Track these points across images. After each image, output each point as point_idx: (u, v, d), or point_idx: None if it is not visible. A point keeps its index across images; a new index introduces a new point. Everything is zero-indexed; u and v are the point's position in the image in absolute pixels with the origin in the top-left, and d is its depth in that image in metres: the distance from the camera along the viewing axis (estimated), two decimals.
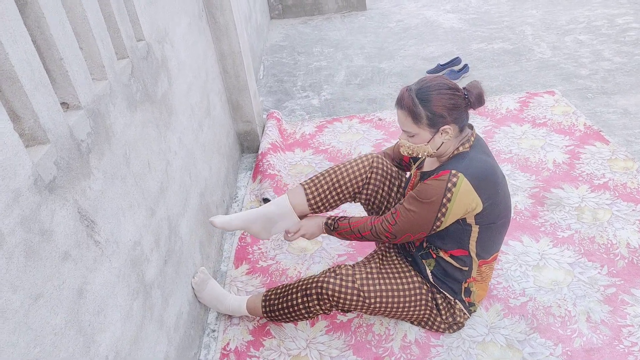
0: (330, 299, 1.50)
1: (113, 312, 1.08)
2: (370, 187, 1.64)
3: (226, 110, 2.53)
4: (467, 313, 1.59)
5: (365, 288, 1.50)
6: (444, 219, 1.37)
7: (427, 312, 1.56)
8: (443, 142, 1.38)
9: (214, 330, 1.72)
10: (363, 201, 1.69)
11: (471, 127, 1.45)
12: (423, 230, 1.42)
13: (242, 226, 1.65)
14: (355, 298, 1.49)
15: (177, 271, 1.52)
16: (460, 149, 1.40)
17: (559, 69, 3.36)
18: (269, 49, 4.43)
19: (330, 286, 1.49)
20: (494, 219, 1.42)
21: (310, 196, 1.63)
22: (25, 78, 0.86)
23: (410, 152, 1.44)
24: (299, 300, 1.55)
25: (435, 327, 1.60)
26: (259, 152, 2.63)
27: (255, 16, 4.07)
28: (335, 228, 1.58)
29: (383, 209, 1.67)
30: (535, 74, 3.35)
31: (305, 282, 1.56)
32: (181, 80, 1.79)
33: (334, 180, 1.64)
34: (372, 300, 1.50)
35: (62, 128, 0.96)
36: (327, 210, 1.68)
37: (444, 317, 1.57)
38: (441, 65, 3.53)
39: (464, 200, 1.34)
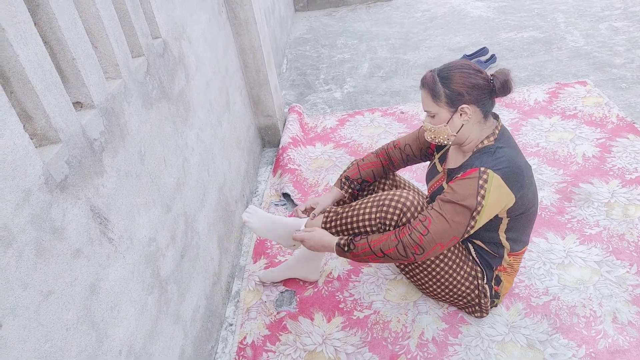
0: (404, 210, 1.44)
1: (127, 307, 1.11)
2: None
3: (247, 104, 2.54)
4: (488, 303, 1.56)
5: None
6: (479, 217, 1.32)
7: (472, 286, 1.52)
8: (463, 125, 1.36)
9: (231, 324, 1.74)
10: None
11: (496, 117, 1.43)
12: (456, 236, 1.35)
13: (287, 274, 1.82)
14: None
15: (194, 266, 1.54)
16: (485, 142, 1.38)
17: (592, 58, 3.23)
18: (293, 41, 4.42)
19: (409, 200, 1.45)
20: (523, 209, 1.40)
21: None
22: (36, 79, 0.88)
23: (432, 137, 1.43)
24: (372, 210, 1.49)
25: (469, 305, 1.58)
26: (280, 146, 2.63)
27: (279, 9, 4.06)
28: (350, 249, 1.45)
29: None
30: (566, 64, 3.23)
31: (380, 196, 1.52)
32: (199, 76, 1.80)
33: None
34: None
35: (74, 127, 0.98)
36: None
37: (471, 289, 1.53)
38: (467, 55, 3.44)
39: (499, 196, 1.31)
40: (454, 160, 1.50)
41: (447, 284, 1.53)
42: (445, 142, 1.43)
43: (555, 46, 3.49)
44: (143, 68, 1.33)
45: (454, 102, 1.34)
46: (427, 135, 1.45)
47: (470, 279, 1.51)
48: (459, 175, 1.35)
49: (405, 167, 1.73)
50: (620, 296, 1.61)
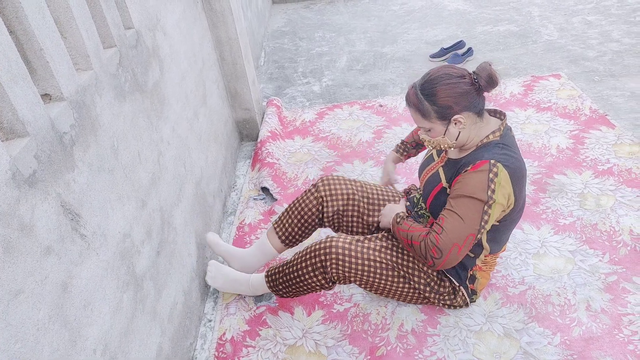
0: (335, 256, 1.48)
1: (101, 306, 1.08)
2: (329, 209, 1.69)
3: (224, 98, 2.50)
4: (467, 302, 1.57)
5: (371, 252, 1.50)
6: (491, 211, 1.30)
7: (428, 288, 1.53)
8: (460, 132, 1.34)
9: (210, 320, 1.72)
10: (330, 225, 1.74)
11: (502, 115, 1.41)
12: (471, 232, 1.31)
13: (225, 256, 1.82)
14: (360, 259, 1.49)
15: (171, 262, 1.52)
16: (491, 137, 1.36)
17: (565, 51, 3.29)
18: (271, 34, 4.38)
19: (340, 243, 1.49)
20: (513, 214, 1.39)
21: (280, 233, 1.74)
22: (2, 70, 0.84)
23: (434, 147, 1.42)
24: (303, 264, 1.54)
25: (430, 301, 1.58)
26: (258, 140, 2.61)
27: (256, 1, 4.01)
28: (398, 223, 1.47)
29: (351, 225, 1.72)
30: (541, 57, 3.28)
31: (308, 249, 1.55)
32: (174, 68, 1.77)
33: (296, 214, 1.72)
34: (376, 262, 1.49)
35: (42, 120, 0.94)
36: (300, 242, 1.77)
37: (444, 297, 1.56)
38: (445, 49, 3.46)
39: (505, 192, 1.30)
40: (455, 151, 1.46)
41: (400, 292, 1.56)
42: (449, 149, 1.42)
43: (531, 39, 3.54)
44: (115, 59, 1.30)
45: (444, 116, 1.31)
46: (429, 145, 1.43)
47: (429, 289, 1.53)
48: (468, 169, 1.32)
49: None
50: (594, 284, 1.65)
